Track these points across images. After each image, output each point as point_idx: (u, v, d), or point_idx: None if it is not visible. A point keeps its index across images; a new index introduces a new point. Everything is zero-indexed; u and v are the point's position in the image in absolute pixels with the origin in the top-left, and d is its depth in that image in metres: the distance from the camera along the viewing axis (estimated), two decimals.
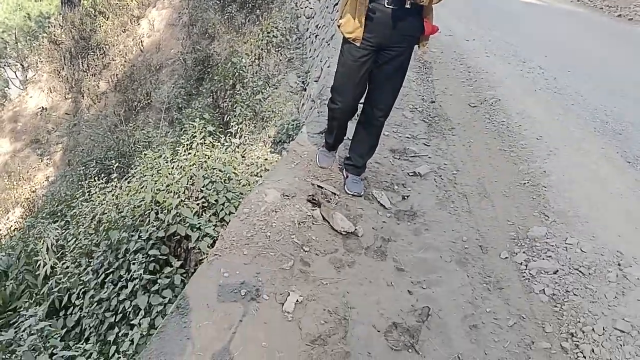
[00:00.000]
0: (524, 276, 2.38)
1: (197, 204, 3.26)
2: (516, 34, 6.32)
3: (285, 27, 8.66)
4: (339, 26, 2.45)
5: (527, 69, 4.98)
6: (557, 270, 2.37)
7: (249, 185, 3.79)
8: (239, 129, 4.85)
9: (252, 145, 4.99)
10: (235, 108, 5.72)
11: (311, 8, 8.62)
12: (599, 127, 3.77)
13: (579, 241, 2.53)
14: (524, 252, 2.51)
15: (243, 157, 4.46)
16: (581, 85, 4.59)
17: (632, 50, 6.28)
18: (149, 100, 9.57)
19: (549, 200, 2.86)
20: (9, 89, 21.07)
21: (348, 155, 2.88)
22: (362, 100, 2.69)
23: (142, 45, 11.20)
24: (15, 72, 21.00)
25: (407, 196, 2.90)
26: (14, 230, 7.05)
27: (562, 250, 2.49)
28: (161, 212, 3.14)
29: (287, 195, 2.68)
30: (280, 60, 7.88)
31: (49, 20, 19.29)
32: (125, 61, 11.09)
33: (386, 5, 2.29)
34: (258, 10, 9.87)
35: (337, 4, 6.85)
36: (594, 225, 2.67)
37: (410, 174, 3.12)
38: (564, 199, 2.88)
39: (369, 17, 2.33)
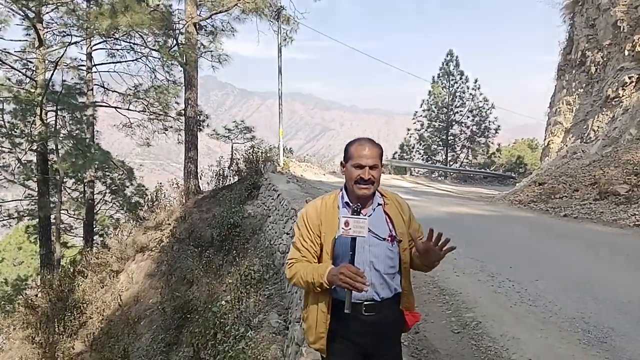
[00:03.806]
0: None
1: None
2: (478, 247, 6.76)
3: (261, 264, 9.00)
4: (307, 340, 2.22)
5: (497, 283, 5.21)
6: None
7: None
8: None
9: None
10: None
11: (285, 244, 9.13)
12: (583, 338, 3.82)
13: None
14: None
15: None
16: (552, 293, 4.78)
17: (588, 249, 6.73)
18: (125, 358, 9.16)
19: None
20: None
21: None
22: None
23: (120, 300, 11.22)
24: None
25: None
26: None
27: None
28: None
29: None
30: (260, 299, 7.96)
31: (26, 283, 19.56)
32: (102, 318, 10.93)
33: (364, 314, 2.08)
34: (235, 251, 10.34)
35: None
36: None
37: None
38: None
39: (340, 325, 2.09)
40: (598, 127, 13.13)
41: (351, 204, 2.12)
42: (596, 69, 14.15)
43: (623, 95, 12.35)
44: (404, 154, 31.80)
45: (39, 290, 13.46)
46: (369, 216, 2.12)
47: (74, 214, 19.81)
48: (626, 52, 12.49)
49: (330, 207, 2.18)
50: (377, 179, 2.12)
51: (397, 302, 2.20)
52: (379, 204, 2.20)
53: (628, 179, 9.53)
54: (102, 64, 18.24)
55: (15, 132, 14.91)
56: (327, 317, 2.09)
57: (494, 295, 4.87)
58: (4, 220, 17.48)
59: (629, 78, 12.25)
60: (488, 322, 4.21)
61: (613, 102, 12.71)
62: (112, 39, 15.88)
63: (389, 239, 2.13)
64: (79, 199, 18.33)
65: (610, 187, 9.48)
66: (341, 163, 2.22)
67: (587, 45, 14.60)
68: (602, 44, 13.79)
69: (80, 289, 12.14)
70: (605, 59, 13.75)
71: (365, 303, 2.08)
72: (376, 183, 2.13)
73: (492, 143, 31.84)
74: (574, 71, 15.44)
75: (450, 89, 30.70)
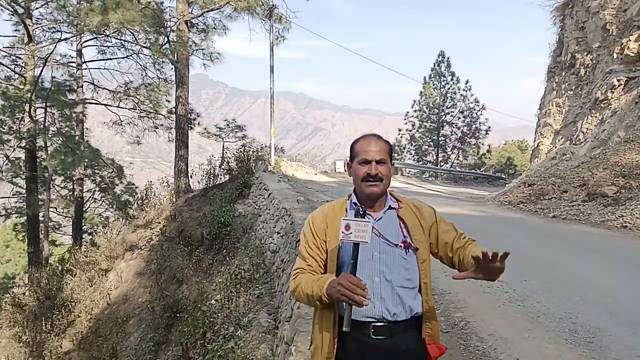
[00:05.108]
0: None
1: None
2: None
3: (252, 264, 8.98)
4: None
5: (487, 283, 5.24)
6: None
7: None
8: None
9: None
10: None
11: (275, 243, 9.13)
12: (570, 338, 3.85)
13: None
14: None
15: None
16: (540, 294, 4.82)
17: (576, 249, 6.80)
18: (114, 357, 9.12)
19: None
20: None
21: None
22: None
23: (109, 298, 11.15)
24: None
25: None
26: None
27: None
28: None
29: None
30: (250, 298, 7.95)
31: (14, 281, 19.38)
32: (91, 317, 10.86)
33: (372, 336, 1.78)
34: (225, 250, 10.32)
35: (299, 241, 7.31)
36: None
37: None
38: None
39: (342, 351, 1.81)
40: (587, 129, 13.25)
41: (358, 205, 1.92)
42: (585, 72, 14.29)
43: (612, 98, 12.48)
44: (395, 154, 31.91)
45: (26, 288, 13.36)
46: (378, 219, 1.93)
47: (63, 212, 19.67)
48: (615, 55, 12.62)
49: (338, 210, 1.98)
50: (386, 175, 1.94)
51: (416, 327, 1.88)
52: (390, 207, 1.99)
53: (616, 180, 9.63)
54: (92, 60, 18.11)
55: (4, 129, 14.75)
56: (333, 338, 1.81)
57: (483, 295, 4.89)
58: None
59: (618, 81, 12.38)
60: (476, 322, 4.23)
61: (602, 105, 12.84)
62: (103, 35, 15.78)
63: (402, 244, 1.86)
64: (68, 197, 18.19)
65: (598, 188, 9.57)
66: (347, 164, 2.05)
67: (576, 48, 14.75)
68: (591, 46, 13.94)
69: (69, 288, 12.05)
70: (594, 62, 13.89)
71: (373, 324, 1.80)
72: (385, 180, 1.94)
73: (482, 144, 32.10)
74: (563, 73, 15.59)
75: (442, 89, 30.86)
